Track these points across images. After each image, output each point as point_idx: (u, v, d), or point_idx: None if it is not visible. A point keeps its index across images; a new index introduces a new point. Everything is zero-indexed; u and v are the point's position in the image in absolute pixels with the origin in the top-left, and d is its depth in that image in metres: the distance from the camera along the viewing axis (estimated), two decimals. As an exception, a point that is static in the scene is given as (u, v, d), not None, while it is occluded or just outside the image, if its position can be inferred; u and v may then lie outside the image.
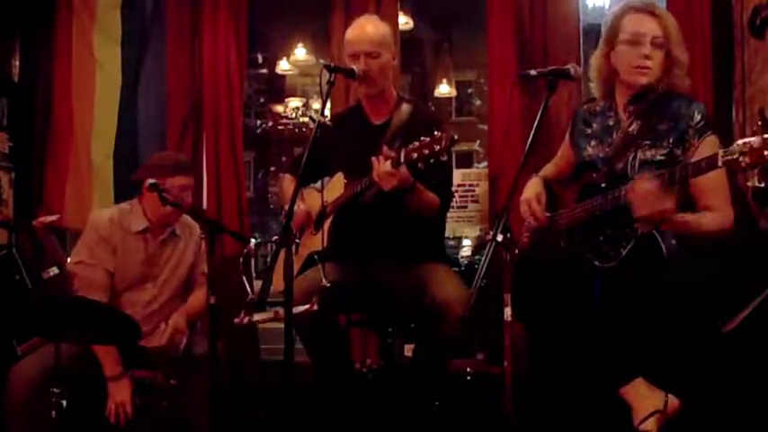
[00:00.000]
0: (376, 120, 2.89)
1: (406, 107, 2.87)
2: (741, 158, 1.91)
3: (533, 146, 2.18)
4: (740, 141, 1.92)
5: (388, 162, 2.49)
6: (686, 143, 2.30)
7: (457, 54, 7.85)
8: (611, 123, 2.51)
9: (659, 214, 2.14)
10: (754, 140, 1.90)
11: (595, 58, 2.51)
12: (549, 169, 2.76)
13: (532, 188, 2.62)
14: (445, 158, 2.41)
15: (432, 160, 2.39)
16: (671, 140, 2.33)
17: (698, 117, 2.33)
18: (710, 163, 2.00)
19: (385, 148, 2.53)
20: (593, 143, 2.54)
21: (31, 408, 2.63)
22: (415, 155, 2.41)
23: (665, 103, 2.39)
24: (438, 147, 2.37)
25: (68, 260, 3.08)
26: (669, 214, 2.15)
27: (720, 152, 1.96)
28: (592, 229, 2.40)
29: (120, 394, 2.77)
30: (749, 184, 3.16)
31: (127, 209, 3.00)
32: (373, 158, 2.54)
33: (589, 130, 2.57)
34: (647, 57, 2.35)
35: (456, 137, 2.40)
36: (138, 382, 2.85)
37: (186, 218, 3.06)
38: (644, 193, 2.14)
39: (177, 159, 3.02)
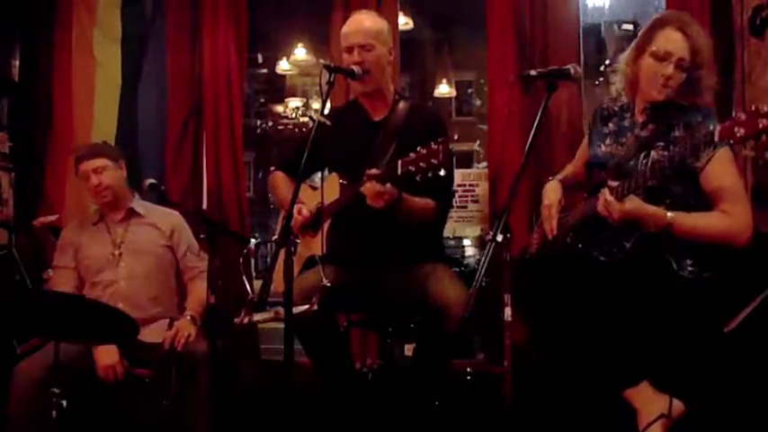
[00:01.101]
0: (375, 116, 2.89)
1: (404, 105, 2.86)
2: (738, 129, 1.94)
3: (533, 146, 2.18)
4: (735, 115, 1.95)
5: (374, 182, 2.48)
6: (699, 152, 2.29)
7: (457, 54, 7.86)
8: (626, 124, 2.53)
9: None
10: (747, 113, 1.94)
11: (626, 59, 2.50)
12: (567, 171, 2.77)
13: (554, 193, 2.62)
14: (444, 173, 2.36)
15: (430, 174, 2.36)
16: (684, 148, 2.33)
17: (712, 129, 2.32)
18: (708, 138, 2.03)
19: (368, 171, 2.52)
20: (607, 142, 2.55)
21: (35, 407, 2.64)
22: (412, 168, 2.38)
23: (682, 111, 2.40)
24: (435, 160, 2.32)
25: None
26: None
27: (718, 126, 1.99)
28: (596, 226, 2.40)
29: (107, 358, 2.79)
30: (744, 152, 3.17)
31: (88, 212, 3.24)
32: (365, 183, 2.53)
33: (606, 129, 2.59)
34: (668, 77, 2.36)
35: (455, 139, 2.38)
36: (136, 380, 2.85)
37: (161, 208, 3.20)
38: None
39: (85, 148, 3.20)
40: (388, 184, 2.49)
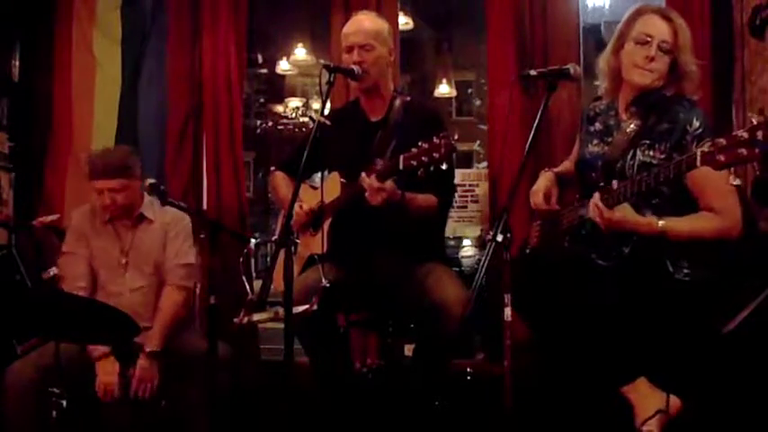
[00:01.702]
0: (373, 116, 2.90)
1: (400, 102, 2.86)
2: (718, 156, 1.90)
3: (533, 146, 2.18)
4: (717, 139, 1.92)
5: (374, 176, 2.48)
6: (684, 148, 2.29)
7: (457, 54, 7.86)
8: (611, 123, 2.52)
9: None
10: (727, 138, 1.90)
11: (605, 54, 2.51)
12: (564, 165, 2.78)
13: (542, 181, 2.63)
14: (445, 167, 2.35)
15: (431, 168, 2.36)
16: (669, 144, 2.33)
17: (696, 123, 2.31)
18: (690, 162, 2.00)
19: (374, 163, 2.51)
20: (594, 141, 2.55)
21: (30, 407, 2.63)
22: (414, 162, 2.38)
23: (665, 105, 2.39)
24: (437, 154, 2.32)
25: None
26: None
27: (698, 151, 1.96)
28: (594, 228, 2.40)
29: (106, 375, 2.75)
30: (735, 182, 3.16)
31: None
32: (362, 175, 2.52)
33: (592, 129, 2.58)
34: (651, 59, 2.35)
35: (455, 140, 2.37)
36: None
37: (169, 208, 3.07)
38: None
39: (104, 163, 2.94)
40: (389, 182, 2.48)
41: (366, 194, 2.53)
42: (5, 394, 2.70)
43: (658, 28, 2.37)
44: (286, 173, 3.07)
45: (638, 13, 2.42)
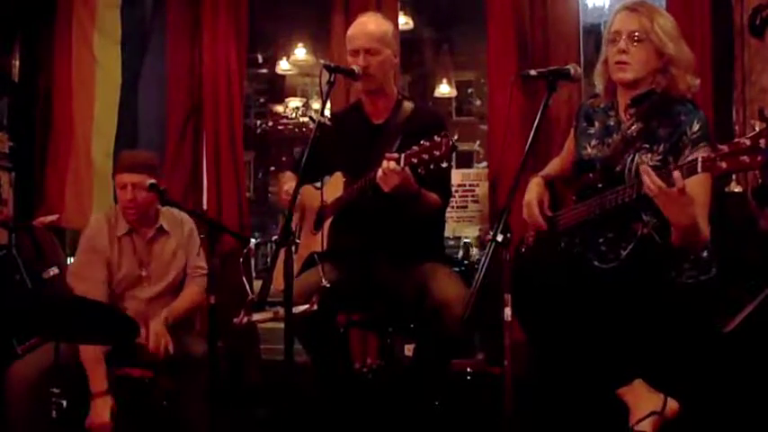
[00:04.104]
0: (376, 119, 2.89)
1: (406, 106, 2.86)
2: (720, 163, 1.88)
3: (533, 146, 2.17)
4: (720, 146, 1.90)
5: (393, 162, 2.47)
6: (679, 152, 2.27)
7: (457, 54, 7.84)
8: (611, 124, 2.50)
9: None
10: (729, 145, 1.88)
11: (598, 63, 2.51)
12: (554, 165, 2.75)
13: (534, 190, 2.61)
14: (445, 165, 2.36)
15: (432, 166, 2.36)
16: (666, 147, 2.31)
17: (696, 127, 2.28)
18: (691, 167, 1.97)
19: (388, 155, 2.51)
20: (593, 143, 2.53)
21: (31, 407, 2.63)
22: (415, 160, 2.38)
23: (667, 107, 2.36)
24: (438, 152, 2.33)
25: (68, 265, 3.16)
26: None
27: (700, 157, 1.94)
28: (592, 231, 2.40)
29: (100, 415, 2.70)
30: (726, 190, 3.16)
31: (113, 213, 3.06)
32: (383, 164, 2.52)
33: (591, 129, 2.56)
34: (622, 51, 2.34)
35: (456, 140, 2.37)
36: (136, 382, 2.84)
37: (177, 213, 3.08)
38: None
39: (131, 158, 3.02)
40: (407, 169, 2.47)
41: (379, 178, 2.49)
42: (7, 394, 2.70)
43: (624, 22, 2.36)
44: (294, 173, 3.07)
45: (613, 15, 2.43)
